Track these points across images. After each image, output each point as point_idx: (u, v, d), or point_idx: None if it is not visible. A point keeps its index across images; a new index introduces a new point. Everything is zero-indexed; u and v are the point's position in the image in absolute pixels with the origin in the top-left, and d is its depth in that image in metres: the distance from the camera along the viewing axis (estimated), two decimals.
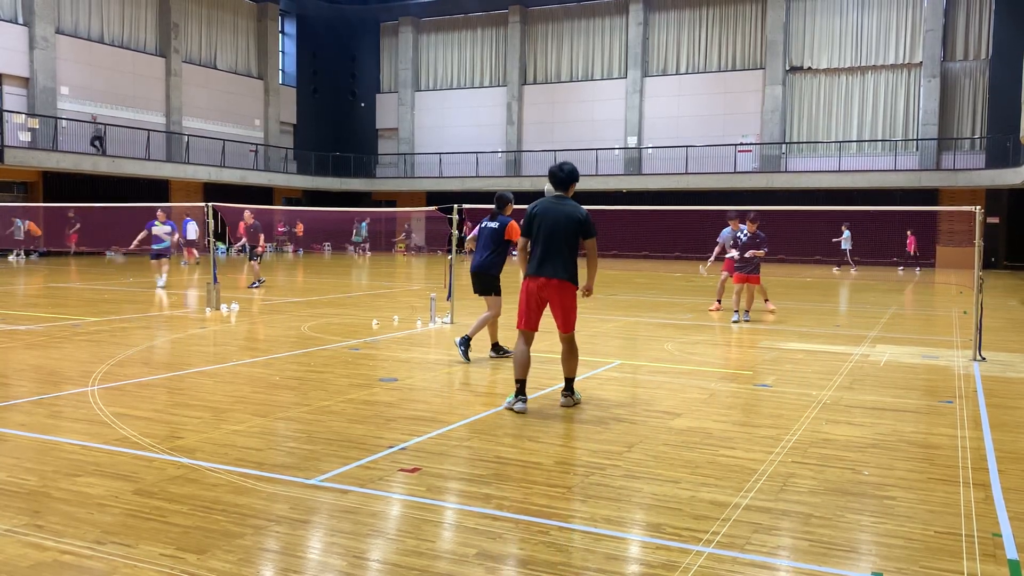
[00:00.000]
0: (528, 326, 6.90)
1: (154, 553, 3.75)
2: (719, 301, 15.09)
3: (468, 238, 9.76)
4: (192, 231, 27.84)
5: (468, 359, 9.05)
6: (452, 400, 7.46)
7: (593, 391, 7.60)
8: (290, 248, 38.26)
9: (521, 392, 6.78)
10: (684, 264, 32.13)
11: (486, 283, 9.17)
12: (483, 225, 9.24)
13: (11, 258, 28.69)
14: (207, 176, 36.65)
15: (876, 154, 36.33)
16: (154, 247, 18.54)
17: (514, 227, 8.90)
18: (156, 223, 18.38)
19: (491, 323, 9.32)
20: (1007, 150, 31.72)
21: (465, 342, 9.09)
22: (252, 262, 18.89)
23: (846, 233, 30.38)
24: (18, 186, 31.96)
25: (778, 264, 30.44)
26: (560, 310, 6.81)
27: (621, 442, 5.85)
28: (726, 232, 14.60)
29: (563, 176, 6.94)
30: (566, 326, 6.85)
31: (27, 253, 30.05)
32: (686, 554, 3.86)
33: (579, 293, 6.90)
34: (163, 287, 17.77)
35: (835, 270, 30.17)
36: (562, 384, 7.11)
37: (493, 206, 9.28)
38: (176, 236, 19.28)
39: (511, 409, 6.72)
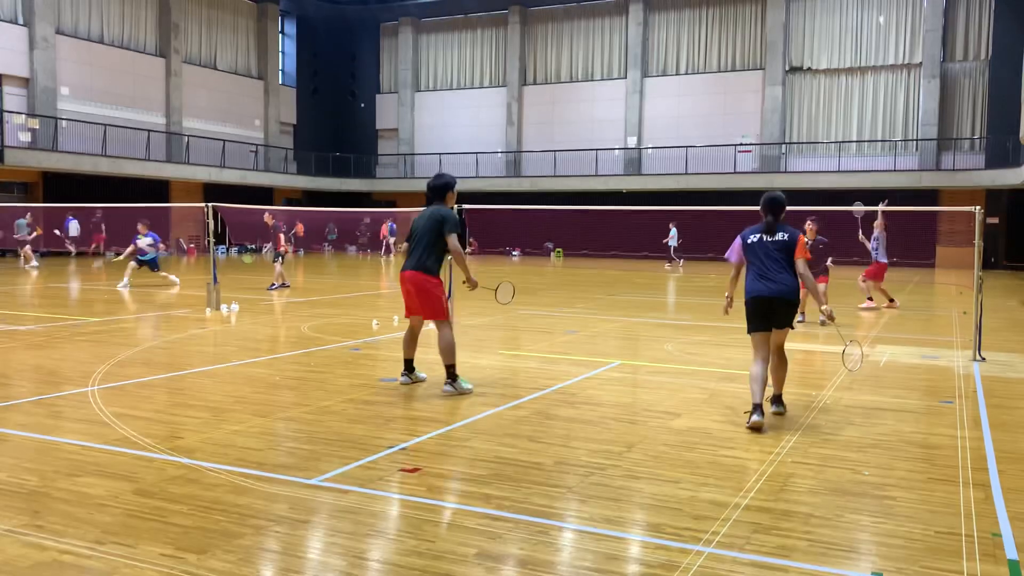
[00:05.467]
0: (408, 313, 7.66)
1: (154, 553, 3.75)
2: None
3: (734, 259, 6.83)
4: (74, 229, 29.18)
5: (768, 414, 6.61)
6: (452, 400, 7.45)
7: (593, 391, 7.60)
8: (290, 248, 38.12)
9: (407, 368, 7.71)
10: (684, 264, 32.08)
11: (789, 313, 6.52)
12: (756, 240, 6.52)
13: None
14: (207, 176, 36.63)
15: (876, 154, 36.33)
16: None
17: (803, 242, 6.56)
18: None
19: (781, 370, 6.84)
20: (1007, 150, 31.72)
21: (778, 401, 6.81)
22: (275, 263, 18.42)
23: (673, 231, 32.09)
24: (18, 186, 31.95)
25: None
26: (417, 300, 7.41)
27: (621, 442, 5.85)
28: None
29: (436, 186, 7.48)
30: (427, 314, 7.41)
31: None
32: (686, 554, 3.86)
33: (464, 287, 7.53)
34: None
35: (666, 266, 31.36)
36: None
37: (763, 208, 6.58)
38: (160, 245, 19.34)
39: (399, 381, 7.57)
